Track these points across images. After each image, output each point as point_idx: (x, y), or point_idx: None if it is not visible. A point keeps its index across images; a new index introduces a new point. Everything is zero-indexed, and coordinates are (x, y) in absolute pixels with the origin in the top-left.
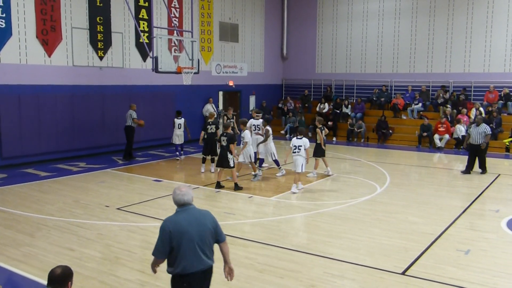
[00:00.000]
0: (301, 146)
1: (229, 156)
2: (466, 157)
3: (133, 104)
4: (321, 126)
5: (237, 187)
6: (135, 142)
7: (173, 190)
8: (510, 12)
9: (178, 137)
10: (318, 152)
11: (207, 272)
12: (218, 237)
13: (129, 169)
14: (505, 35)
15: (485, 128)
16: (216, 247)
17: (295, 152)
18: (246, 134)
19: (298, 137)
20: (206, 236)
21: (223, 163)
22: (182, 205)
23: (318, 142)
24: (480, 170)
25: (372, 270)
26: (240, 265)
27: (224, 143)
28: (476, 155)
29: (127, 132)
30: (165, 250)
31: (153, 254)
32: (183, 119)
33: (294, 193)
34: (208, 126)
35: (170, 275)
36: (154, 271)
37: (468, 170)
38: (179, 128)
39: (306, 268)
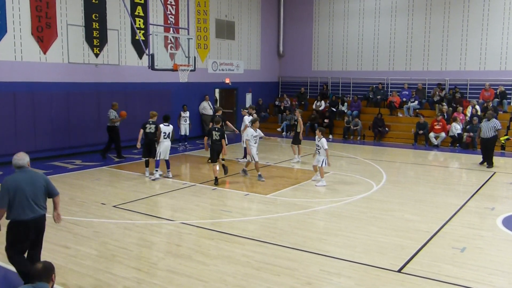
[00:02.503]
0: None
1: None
2: (461, 155)
3: (115, 103)
4: (301, 116)
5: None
6: (131, 139)
7: (13, 157)
8: (506, 10)
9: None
10: (297, 140)
11: (39, 220)
12: (51, 191)
13: (125, 166)
14: (501, 33)
15: (495, 123)
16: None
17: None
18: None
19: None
20: (38, 191)
21: (219, 156)
22: (19, 167)
23: (298, 131)
24: (486, 165)
25: (368, 268)
26: (236, 263)
27: (216, 137)
28: (485, 149)
29: (112, 132)
30: (5, 201)
31: None
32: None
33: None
34: (147, 125)
35: (8, 221)
36: None
37: (484, 161)
38: (186, 122)
39: (303, 265)
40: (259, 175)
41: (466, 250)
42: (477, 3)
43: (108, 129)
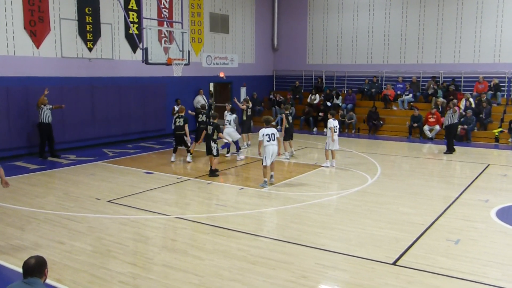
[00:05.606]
0: (337, 126)
1: (213, 145)
2: (455, 147)
3: (44, 98)
4: (287, 112)
5: (212, 173)
6: (126, 134)
7: None
8: (499, 2)
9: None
10: (288, 136)
11: None
12: None
13: (120, 161)
14: (494, 26)
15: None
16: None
17: (336, 132)
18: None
19: (334, 119)
20: None
21: (208, 150)
22: None
23: (287, 126)
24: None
25: (363, 261)
26: (232, 257)
27: (210, 132)
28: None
29: (43, 129)
30: None
31: None
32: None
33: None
34: (177, 119)
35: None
36: None
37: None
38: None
39: (298, 259)
40: (265, 181)
41: (460, 242)
42: None
43: (45, 126)
